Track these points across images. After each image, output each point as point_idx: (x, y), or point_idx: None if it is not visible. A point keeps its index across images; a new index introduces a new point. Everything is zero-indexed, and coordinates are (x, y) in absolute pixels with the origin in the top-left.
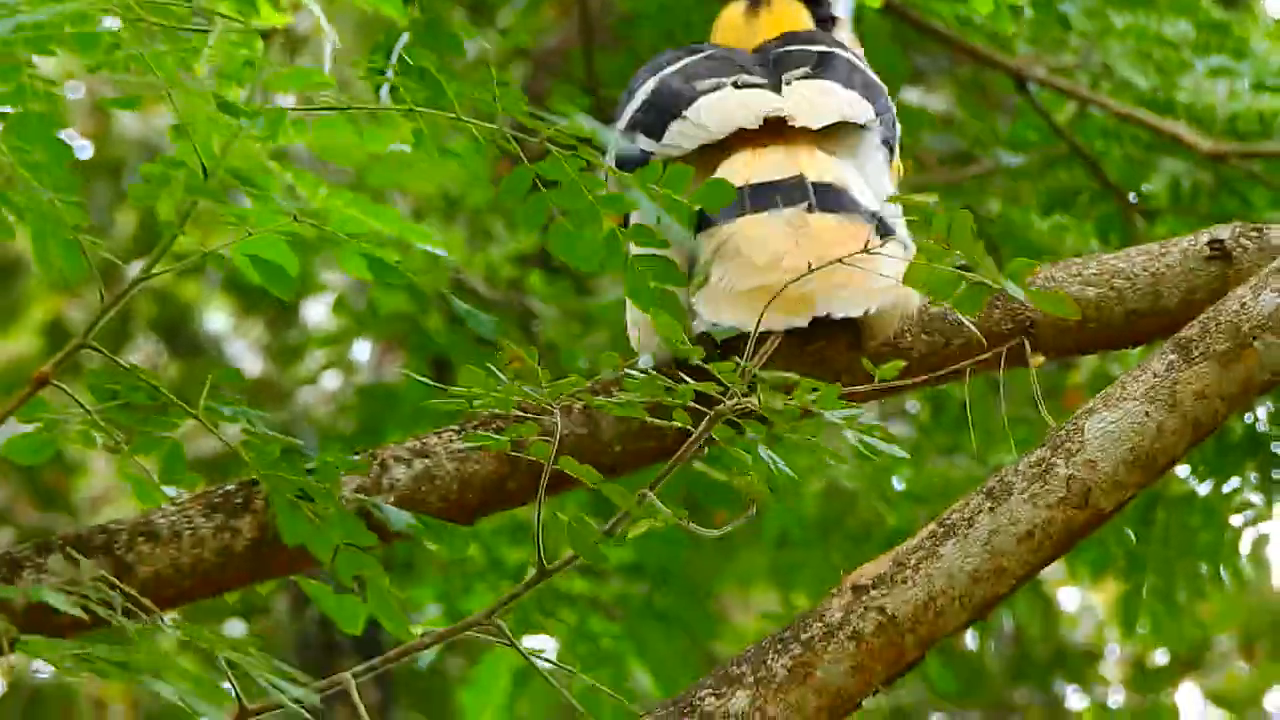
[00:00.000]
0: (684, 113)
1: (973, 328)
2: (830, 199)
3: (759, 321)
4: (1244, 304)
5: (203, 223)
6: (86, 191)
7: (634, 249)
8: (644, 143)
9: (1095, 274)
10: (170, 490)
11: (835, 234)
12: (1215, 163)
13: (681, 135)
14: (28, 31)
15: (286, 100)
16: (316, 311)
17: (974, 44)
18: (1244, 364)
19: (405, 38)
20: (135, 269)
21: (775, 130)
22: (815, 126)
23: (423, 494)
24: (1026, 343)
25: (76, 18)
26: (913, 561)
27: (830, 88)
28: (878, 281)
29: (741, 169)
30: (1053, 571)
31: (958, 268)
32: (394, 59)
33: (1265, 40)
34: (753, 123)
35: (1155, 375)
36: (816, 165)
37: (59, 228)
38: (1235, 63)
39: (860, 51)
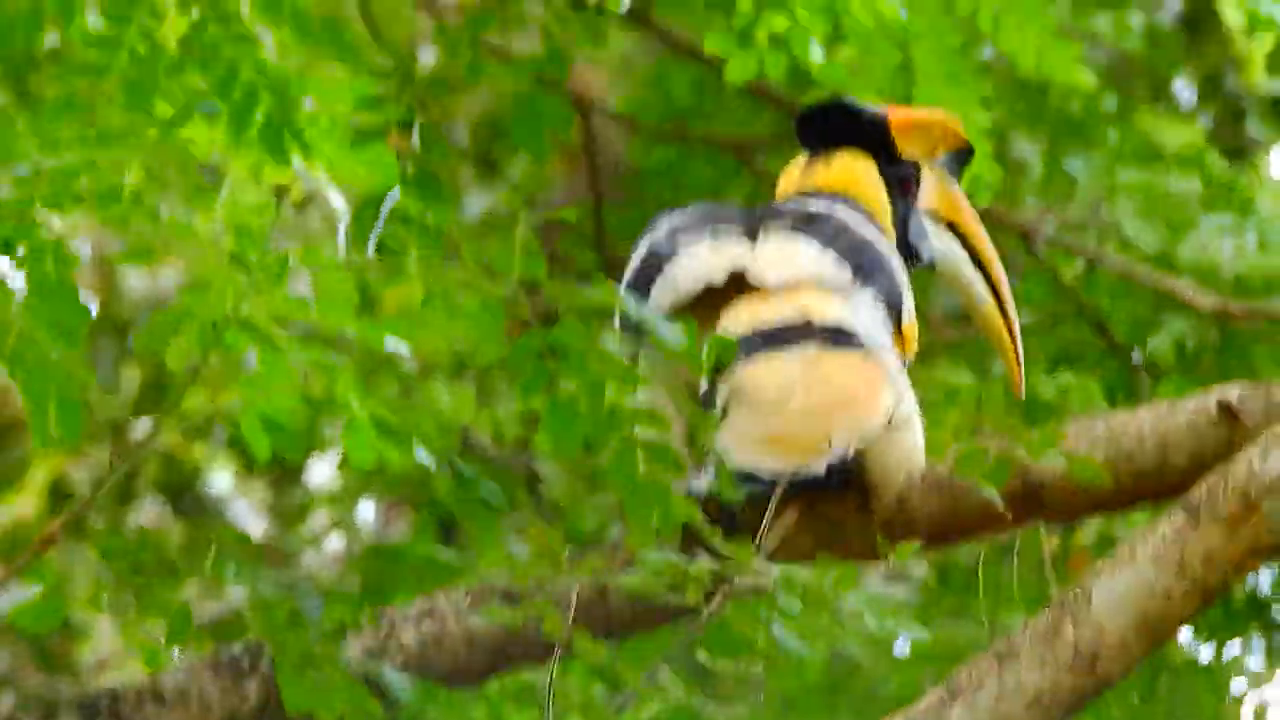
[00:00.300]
0: (664, 269)
1: (995, 498)
2: (841, 337)
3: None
4: (1252, 467)
5: (210, 382)
6: (92, 349)
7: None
8: (639, 300)
9: (1104, 434)
10: (176, 652)
11: (847, 372)
12: (1220, 321)
13: (662, 293)
14: (44, 187)
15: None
16: (320, 471)
17: (981, 201)
18: (1251, 527)
19: (395, 193)
20: (141, 426)
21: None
22: (773, 282)
23: (430, 656)
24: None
25: (92, 171)
26: None
27: (802, 246)
28: (885, 410)
29: (745, 316)
30: None
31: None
32: (384, 214)
33: (1270, 199)
34: (719, 279)
35: (1163, 539)
36: (820, 308)
37: (65, 386)
38: (1241, 220)
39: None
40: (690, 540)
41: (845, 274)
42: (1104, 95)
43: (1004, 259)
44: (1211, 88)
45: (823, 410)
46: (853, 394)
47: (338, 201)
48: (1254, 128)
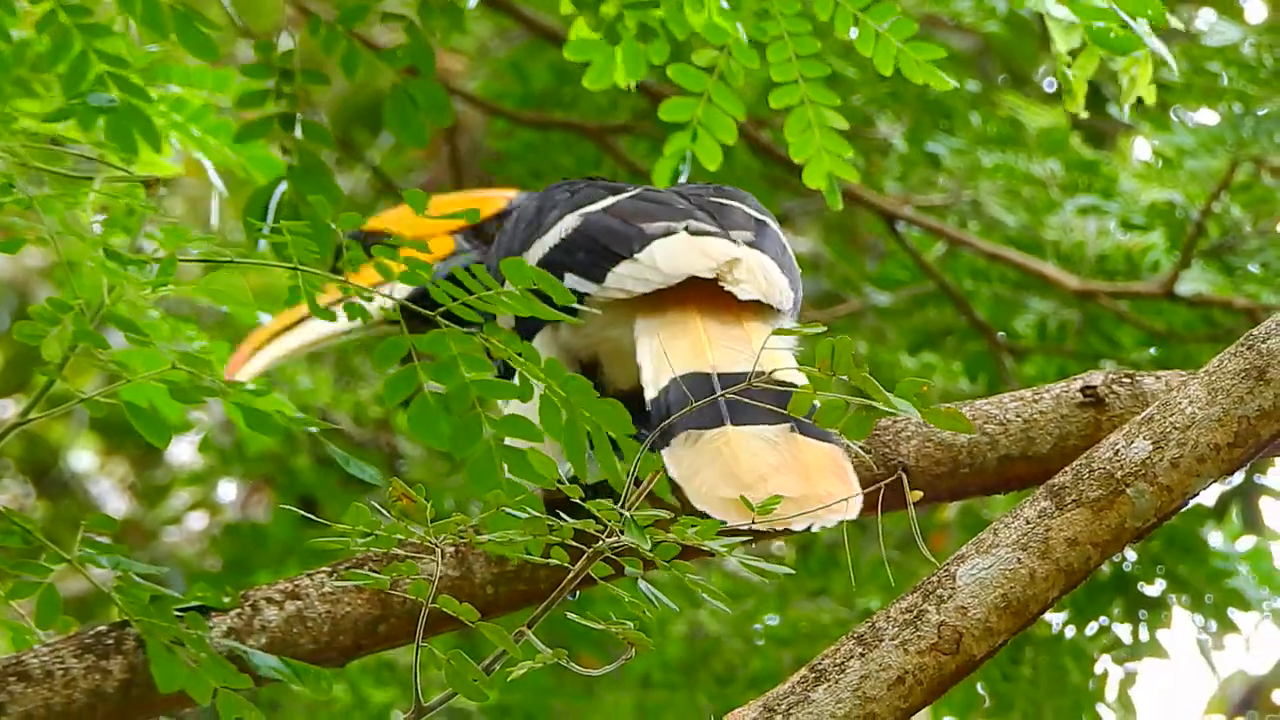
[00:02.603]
0: (635, 255)
1: (862, 452)
2: (809, 425)
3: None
4: (1117, 451)
5: (72, 364)
6: None
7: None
8: (575, 282)
9: (969, 419)
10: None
11: (819, 461)
12: (1083, 301)
13: (632, 279)
14: None
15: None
16: (182, 450)
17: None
18: (1116, 511)
19: (283, 187)
20: (3, 407)
21: (713, 288)
22: (743, 298)
23: (294, 636)
24: (904, 478)
25: None
26: (783, 707)
27: (772, 267)
28: (855, 499)
29: (700, 343)
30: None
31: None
32: (272, 209)
33: (1134, 180)
34: (709, 271)
35: (1027, 522)
36: (770, 353)
37: None
38: (1104, 201)
39: None
40: (554, 507)
41: (790, 300)
42: (966, 79)
43: (867, 240)
44: None
45: (805, 491)
46: (831, 492)
47: (218, 183)
48: (1115, 111)
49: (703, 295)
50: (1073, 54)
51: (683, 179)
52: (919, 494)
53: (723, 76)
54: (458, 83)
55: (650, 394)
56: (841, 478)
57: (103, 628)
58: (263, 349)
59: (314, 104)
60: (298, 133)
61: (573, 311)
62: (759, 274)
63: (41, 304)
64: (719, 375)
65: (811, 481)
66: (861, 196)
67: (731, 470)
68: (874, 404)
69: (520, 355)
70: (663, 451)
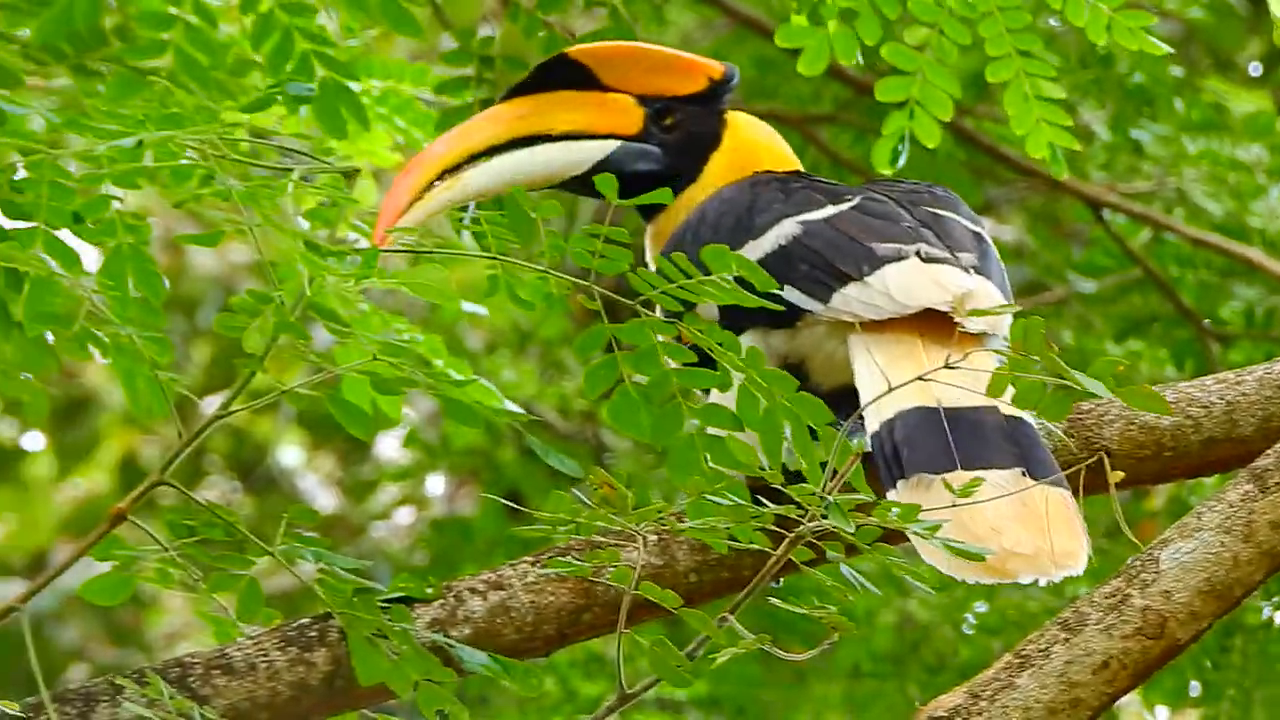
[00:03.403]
0: (865, 278)
1: (1059, 433)
2: (1036, 456)
3: None
4: None
5: (277, 358)
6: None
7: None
8: (796, 297)
9: (1171, 402)
10: (246, 627)
11: (1058, 512)
12: None
13: (861, 304)
14: (116, 165)
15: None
16: (389, 445)
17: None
18: None
19: None
20: (209, 404)
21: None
22: (974, 332)
23: (498, 626)
24: (1106, 459)
25: (165, 153)
26: (989, 693)
27: (998, 296)
28: (1085, 543)
29: (923, 371)
30: (1128, 702)
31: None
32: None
33: None
34: (945, 305)
35: (1230, 505)
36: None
37: (140, 364)
38: None
39: None
40: (755, 493)
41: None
42: (1170, 64)
43: (1071, 228)
44: (1277, 57)
45: (1043, 543)
46: (1064, 547)
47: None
48: None
49: (922, 316)
50: None
51: (901, 161)
52: (1120, 474)
53: (936, 54)
54: None
55: (872, 426)
56: (1072, 529)
57: (305, 621)
58: (424, 196)
59: None
60: None
61: (790, 322)
62: (989, 307)
63: (242, 295)
64: (945, 411)
65: (1045, 535)
66: (1066, 184)
67: (965, 524)
68: (1070, 385)
69: (720, 345)
70: (889, 494)
